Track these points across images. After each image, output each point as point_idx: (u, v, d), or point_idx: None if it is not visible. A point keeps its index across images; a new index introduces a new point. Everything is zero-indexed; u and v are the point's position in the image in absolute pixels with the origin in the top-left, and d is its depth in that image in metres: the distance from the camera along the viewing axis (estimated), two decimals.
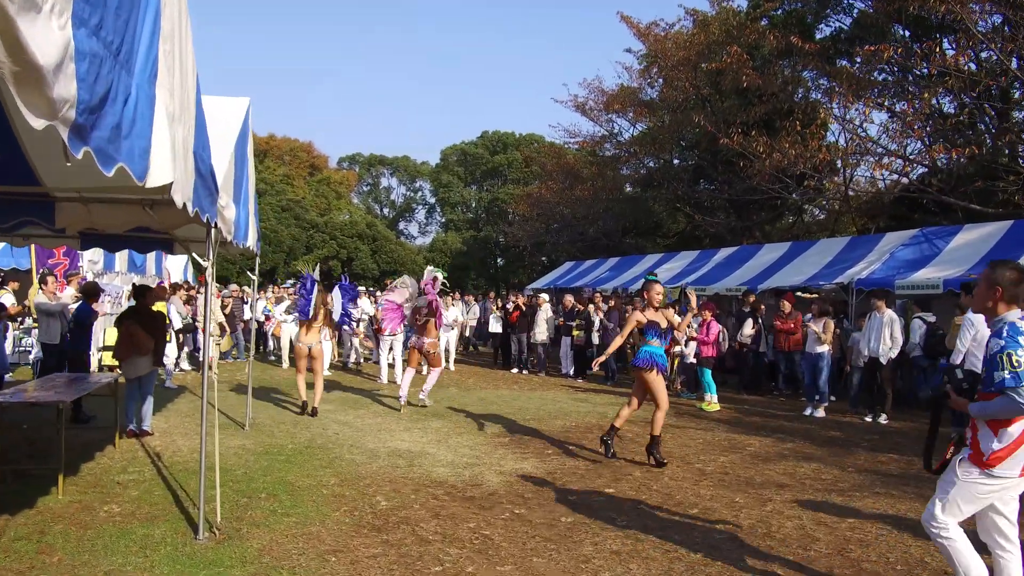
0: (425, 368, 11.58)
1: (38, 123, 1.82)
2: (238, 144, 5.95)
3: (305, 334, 9.80)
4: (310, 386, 10.08)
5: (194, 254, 5.23)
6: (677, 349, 12.88)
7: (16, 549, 4.52)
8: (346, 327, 11.84)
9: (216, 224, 4.67)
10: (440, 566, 4.52)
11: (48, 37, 1.75)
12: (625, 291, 19.70)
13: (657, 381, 7.38)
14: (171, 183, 3.12)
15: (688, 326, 12.49)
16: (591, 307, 15.23)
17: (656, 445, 7.45)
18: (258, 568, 4.38)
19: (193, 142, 3.77)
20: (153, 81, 2.85)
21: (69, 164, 2.07)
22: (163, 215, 4.92)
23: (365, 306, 15.95)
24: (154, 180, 2.92)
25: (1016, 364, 3.40)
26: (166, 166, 2.99)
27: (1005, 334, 3.53)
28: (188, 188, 3.69)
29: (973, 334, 7.73)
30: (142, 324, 7.79)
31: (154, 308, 8.53)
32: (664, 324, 7.55)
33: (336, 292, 9.88)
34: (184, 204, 3.60)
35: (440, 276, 10.66)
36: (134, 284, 8.73)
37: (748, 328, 12.94)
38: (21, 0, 1.62)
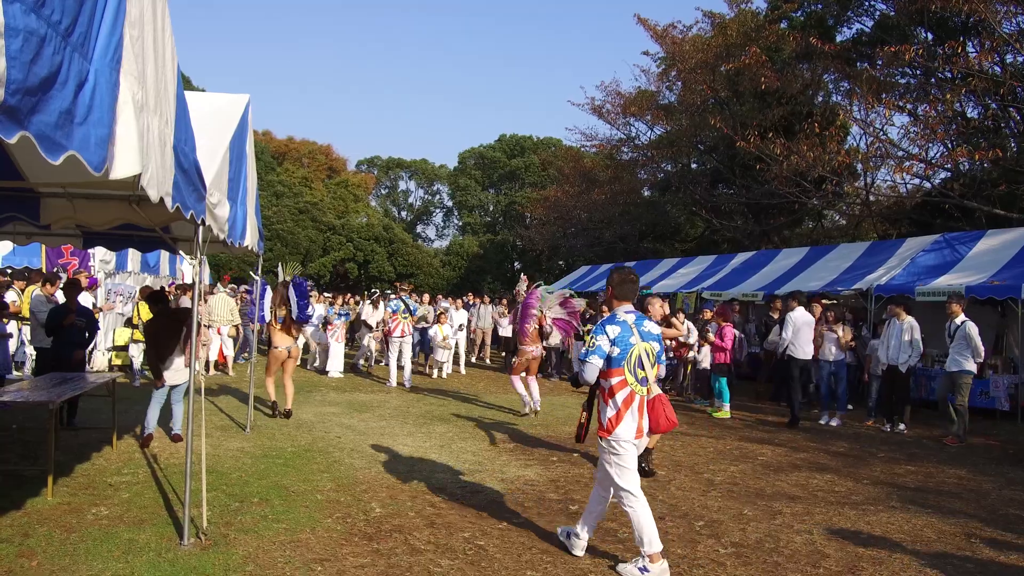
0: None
1: None
2: (234, 140, 5.82)
3: (280, 337, 9.66)
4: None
5: (181, 252, 5.10)
6: (691, 355, 12.65)
7: None
8: (310, 325, 11.37)
9: (203, 221, 4.54)
10: None
11: None
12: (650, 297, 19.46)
13: None
14: (139, 175, 2.97)
15: (706, 332, 12.29)
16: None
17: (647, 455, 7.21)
18: None
19: (173, 135, 3.64)
20: (116, 67, 2.71)
21: None
22: (150, 212, 4.79)
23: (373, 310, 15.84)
24: (118, 171, 2.77)
25: (591, 344, 4.50)
26: (132, 157, 2.84)
27: (599, 322, 4.62)
28: (167, 183, 3.55)
29: (792, 329, 10.52)
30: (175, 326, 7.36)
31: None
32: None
33: (291, 291, 9.66)
34: (161, 199, 3.46)
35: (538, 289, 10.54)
36: (151, 289, 8.48)
37: (774, 335, 12.47)
38: None
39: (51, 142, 2.20)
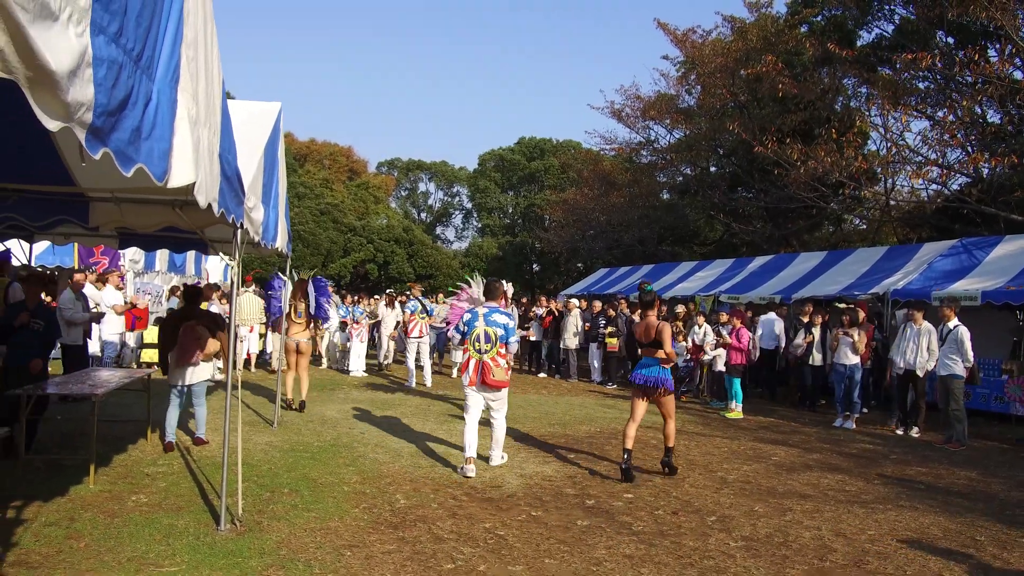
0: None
1: (53, 125, 1.93)
2: (268, 147, 6.10)
3: (291, 331, 10.04)
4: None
5: (221, 254, 5.38)
6: (706, 357, 12.80)
7: (46, 534, 4.71)
8: (326, 324, 11.47)
9: (242, 225, 4.81)
10: (452, 564, 4.59)
11: (63, 44, 1.86)
12: (659, 298, 19.58)
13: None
14: (193, 183, 3.23)
15: (718, 333, 12.43)
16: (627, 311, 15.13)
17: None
18: (275, 560, 4.49)
19: (219, 145, 3.91)
20: (175, 85, 2.97)
21: (84, 164, 2.17)
22: (192, 215, 5.08)
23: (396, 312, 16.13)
24: (175, 181, 3.04)
25: (459, 327, 7.12)
26: (187, 167, 3.11)
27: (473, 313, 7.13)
28: (213, 190, 3.81)
29: (761, 331, 13.25)
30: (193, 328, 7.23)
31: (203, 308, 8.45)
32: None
33: (310, 288, 10.01)
34: (209, 205, 3.72)
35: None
36: (185, 285, 8.67)
37: (799, 339, 12.43)
38: (37, 10, 1.73)
39: (125, 157, 2.46)
